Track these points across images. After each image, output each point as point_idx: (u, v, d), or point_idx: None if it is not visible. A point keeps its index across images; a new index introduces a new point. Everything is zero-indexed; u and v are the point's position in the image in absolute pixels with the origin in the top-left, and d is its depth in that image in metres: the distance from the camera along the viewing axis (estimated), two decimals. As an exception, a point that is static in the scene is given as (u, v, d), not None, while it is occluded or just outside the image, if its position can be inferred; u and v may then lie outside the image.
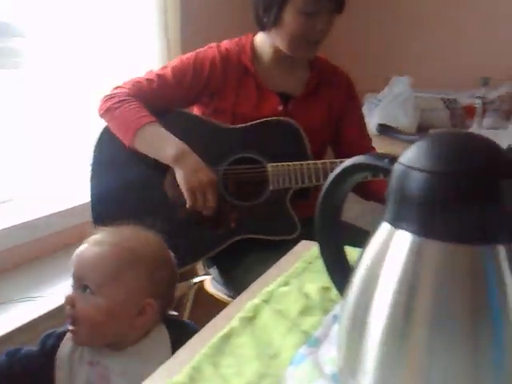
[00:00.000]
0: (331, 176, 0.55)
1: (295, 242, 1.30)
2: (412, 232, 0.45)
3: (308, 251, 0.90)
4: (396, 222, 0.47)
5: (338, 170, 0.54)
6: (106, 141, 1.33)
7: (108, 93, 1.33)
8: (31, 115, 1.74)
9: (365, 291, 0.49)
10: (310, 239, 1.32)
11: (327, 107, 1.44)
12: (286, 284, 0.75)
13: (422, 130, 2.31)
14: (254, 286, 0.77)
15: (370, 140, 1.56)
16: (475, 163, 0.43)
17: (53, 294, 1.43)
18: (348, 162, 0.53)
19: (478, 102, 2.34)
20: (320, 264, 0.61)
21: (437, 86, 2.54)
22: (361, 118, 1.55)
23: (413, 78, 2.34)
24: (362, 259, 0.51)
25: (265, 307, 0.70)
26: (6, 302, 1.39)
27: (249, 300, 0.70)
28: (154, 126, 1.27)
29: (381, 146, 1.98)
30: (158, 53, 1.97)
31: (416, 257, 0.45)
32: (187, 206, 1.26)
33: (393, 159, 0.48)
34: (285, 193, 1.32)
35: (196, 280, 1.49)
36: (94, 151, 1.34)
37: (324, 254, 0.60)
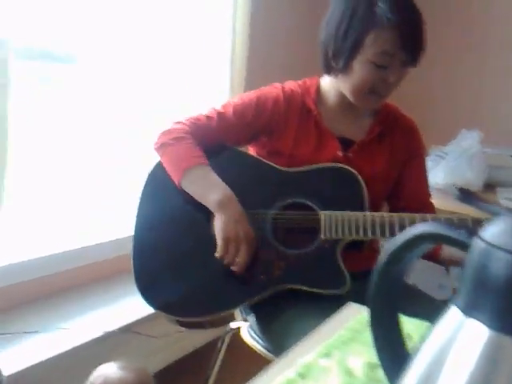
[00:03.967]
0: (396, 241, 0.47)
1: (342, 299, 1.21)
2: (489, 326, 0.36)
3: (356, 316, 0.80)
4: (469, 310, 0.38)
5: (404, 236, 0.46)
6: (158, 175, 1.30)
7: (167, 128, 1.31)
8: (84, 143, 1.75)
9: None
10: (360, 298, 1.23)
11: (389, 156, 1.36)
12: (326, 355, 0.65)
13: (488, 187, 2.18)
14: (290, 353, 0.67)
15: (430, 195, 1.46)
16: None
17: (81, 326, 1.40)
18: (417, 229, 0.45)
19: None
20: (369, 335, 0.52)
21: (506, 143, 2.41)
22: (424, 171, 1.46)
23: (483, 133, 2.22)
24: (423, 347, 0.42)
25: (299, 384, 0.60)
26: (34, 331, 1.37)
27: (282, 370, 0.61)
28: (203, 169, 1.24)
29: (441, 202, 1.86)
30: (222, 86, 1.97)
31: (492, 356, 0.37)
32: (216, 255, 1.20)
33: (472, 232, 0.40)
34: (336, 243, 1.23)
35: (232, 326, 1.41)
36: (145, 185, 1.31)
37: (375, 330, 0.52)
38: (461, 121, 2.50)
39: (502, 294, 0.36)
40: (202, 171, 1.24)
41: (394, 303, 0.50)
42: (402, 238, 0.47)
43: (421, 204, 1.42)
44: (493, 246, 0.37)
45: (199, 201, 1.24)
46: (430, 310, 0.55)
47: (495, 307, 0.37)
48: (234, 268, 1.21)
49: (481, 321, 0.37)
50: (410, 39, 1.19)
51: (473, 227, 0.36)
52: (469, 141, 2.18)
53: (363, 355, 0.66)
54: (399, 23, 1.17)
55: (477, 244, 0.39)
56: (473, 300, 0.39)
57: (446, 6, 2.71)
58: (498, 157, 2.27)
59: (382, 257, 0.48)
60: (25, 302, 1.53)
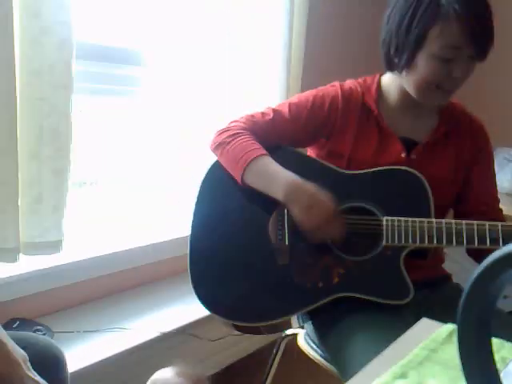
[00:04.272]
0: (478, 269, 0.42)
1: (402, 309, 1.16)
2: None
3: (430, 333, 0.75)
4: None
5: (488, 261, 0.41)
6: (216, 175, 1.29)
7: (223, 127, 1.30)
8: (142, 143, 1.78)
9: None
10: (420, 308, 1.18)
11: (455, 159, 1.30)
12: (402, 376, 0.61)
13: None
14: (363, 373, 0.63)
15: (498, 201, 1.38)
16: None
17: (139, 326, 1.42)
18: (503, 250, 0.40)
19: None
20: (445, 354, 0.47)
21: None
22: (492, 174, 1.38)
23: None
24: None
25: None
26: (94, 330, 1.40)
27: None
28: (263, 160, 1.21)
29: (508, 208, 1.77)
30: (279, 88, 1.94)
31: None
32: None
33: None
34: (399, 251, 1.18)
35: (288, 332, 1.38)
36: (202, 185, 1.30)
37: (464, 354, 0.46)
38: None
39: None
40: (263, 162, 1.21)
41: (487, 324, 0.45)
42: (484, 264, 0.42)
43: (489, 208, 1.34)
44: None
45: (265, 193, 1.21)
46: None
47: None
48: (334, 241, 1.20)
49: None
50: (477, 32, 1.12)
51: None
52: (539, 143, 2.07)
53: (441, 376, 0.62)
54: (466, 15, 1.10)
55: None
56: None
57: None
58: None
59: (467, 283, 0.43)
60: (85, 302, 1.56)
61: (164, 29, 1.71)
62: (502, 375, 0.46)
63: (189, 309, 1.56)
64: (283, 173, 1.19)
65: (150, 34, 1.69)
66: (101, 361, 1.30)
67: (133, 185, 1.78)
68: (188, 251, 1.25)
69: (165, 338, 1.46)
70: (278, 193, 1.18)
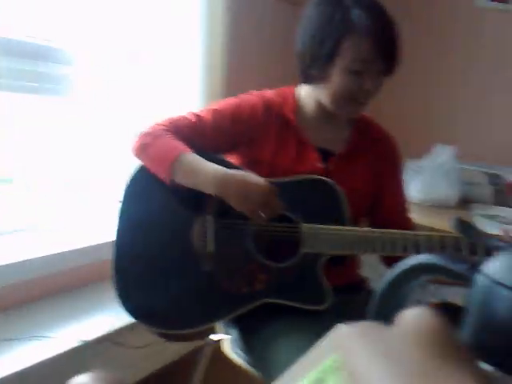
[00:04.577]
0: (390, 275, 0.47)
1: (324, 314, 1.22)
2: (494, 365, 0.36)
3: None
4: (474, 351, 0.38)
5: (400, 268, 0.47)
6: (140, 179, 1.27)
7: (145, 130, 1.28)
8: (69, 143, 1.73)
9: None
10: (341, 312, 1.24)
11: (368, 170, 1.38)
12: (319, 381, 0.65)
13: (463, 203, 2.23)
14: (281, 380, 0.66)
15: (408, 210, 1.48)
16: None
17: (59, 335, 1.38)
18: (415, 259, 0.46)
19: (524, 181, 2.24)
20: None
21: (481, 160, 2.47)
22: (402, 185, 1.48)
23: (458, 149, 2.26)
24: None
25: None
26: (14, 339, 1.34)
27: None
28: (191, 156, 1.20)
29: (419, 217, 1.90)
30: (200, 94, 1.96)
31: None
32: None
33: (474, 266, 0.41)
34: (318, 257, 1.24)
35: (214, 338, 1.40)
36: (126, 190, 1.27)
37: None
38: (436, 135, 2.55)
39: (506, 334, 0.36)
40: (190, 159, 1.19)
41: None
42: (395, 271, 0.47)
43: (400, 217, 1.43)
44: (496, 282, 0.38)
45: (195, 189, 1.19)
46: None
47: (500, 347, 0.37)
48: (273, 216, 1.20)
49: (487, 361, 0.36)
50: (386, 47, 1.20)
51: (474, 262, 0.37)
52: (444, 156, 2.22)
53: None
54: (376, 31, 1.18)
55: (479, 279, 0.40)
56: (477, 340, 0.39)
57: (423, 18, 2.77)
58: (472, 173, 2.32)
59: (379, 287, 0.48)
60: (2, 309, 1.49)
61: (91, 28, 1.68)
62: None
63: (112, 316, 1.53)
64: (211, 166, 1.18)
65: (76, 32, 1.66)
66: (20, 371, 1.25)
67: (53, 187, 1.72)
68: (112, 257, 1.23)
69: (88, 347, 1.43)
70: (208, 186, 1.17)
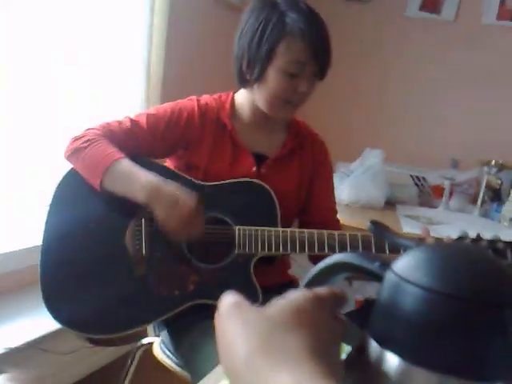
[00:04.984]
0: (312, 271, 0.50)
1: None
2: (400, 355, 0.39)
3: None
4: (384, 342, 0.41)
5: (321, 265, 0.49)
6: (70, 184, 1.25)
7: (78, 134, 1.26)
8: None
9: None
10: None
11: (299, 173, 1.41)
12: None
13: (390, 204, 2.32)
14: (208, 379, 0.67)
15: (336, 211, 1.52)
16: (479, 286, 0.38)
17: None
18: (334, 258, 0.48)
19: (446, 183, 2.37)
20: None
21: (408, 163, 2.58)
22: (331, 187, 1.52)
23: (385, 152, 2.36)
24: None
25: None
26: None
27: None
28: (123, 162, 1.19)
29: (348, 218, 1.97)
30: (138, 99, 1.94)
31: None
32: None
33: (385, 264, 0.44)
34: (249, 258, 1.26)
35: (144, 341, 1.39)
36: (55, 194, 1.24)
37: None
38: (365, 139, 2.65)
39: (410, 325, 0.39)
40: (123, 165, 1.19)
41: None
42: (317, 268, 0.50)
43: (328, 218, 1.47)
44: (402, 278, 0.41)
45: (126, 196, 1.18)
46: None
47: (405, 338, 0.39)
48: (196, 239, 1.20)
49: (394, 352, 0.40)
50: (319, 49, 1.24)
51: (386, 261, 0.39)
52: (372, 159, 2.31)
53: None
54: (309, 33, 1.22)
55: (389, 276, 0.42)
56: (386, 331, 0.41)
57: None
58: (398, 175, 2.42)
59: (300, 286, 0.50)
60: None
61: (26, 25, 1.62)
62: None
63: (38, 322, 1.48)
64: (143, 174, 1.17)
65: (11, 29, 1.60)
66: None
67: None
68: (39, 262, 1.19)
69: (12, 354, 1.38)
70: (139, 195, 1.16)
